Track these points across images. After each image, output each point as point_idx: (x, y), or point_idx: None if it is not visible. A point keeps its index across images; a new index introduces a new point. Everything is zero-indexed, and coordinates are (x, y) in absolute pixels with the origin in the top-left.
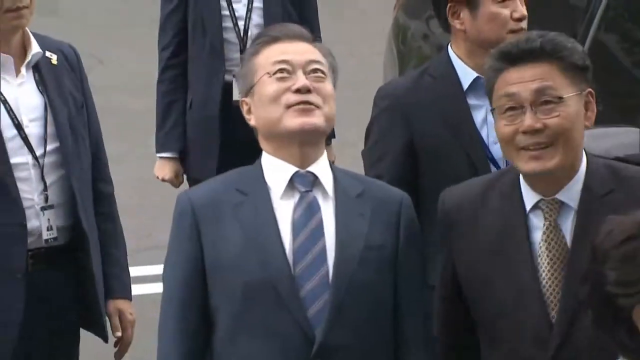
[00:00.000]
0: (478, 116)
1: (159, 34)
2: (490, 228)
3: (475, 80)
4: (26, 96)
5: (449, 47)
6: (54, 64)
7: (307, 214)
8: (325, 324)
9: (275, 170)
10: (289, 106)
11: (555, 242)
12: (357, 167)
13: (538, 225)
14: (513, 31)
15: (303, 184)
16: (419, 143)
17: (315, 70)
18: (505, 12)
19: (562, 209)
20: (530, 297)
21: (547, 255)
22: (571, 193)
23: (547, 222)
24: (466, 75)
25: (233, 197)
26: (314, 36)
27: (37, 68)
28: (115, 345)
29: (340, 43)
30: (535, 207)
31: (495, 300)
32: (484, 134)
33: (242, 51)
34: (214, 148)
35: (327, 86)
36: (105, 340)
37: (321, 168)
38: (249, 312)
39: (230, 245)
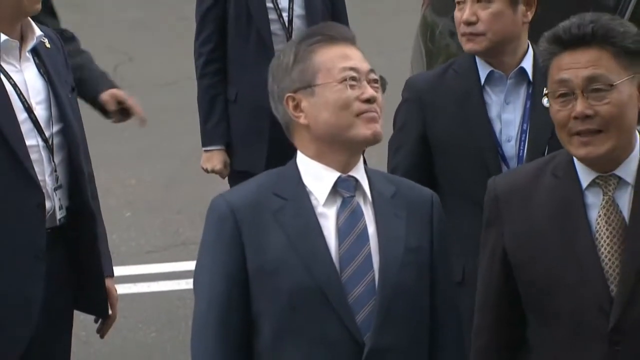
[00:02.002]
0: (492, 112)
1: (197, 28)
2: (546, 207)
3: (490, 75)
4: (31, 79)
5: None
6: (47, 47)
7: (352, 219)
8: (374, 329)
9: (317, 174)
10: (358, 114)
11: (615, 217)
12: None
13: (594, 202)
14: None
15: (347, 188)
16: (432, 137)
17: (375, 81)
18: (459, 14)
19: (620, 184)
20: (591, 272)
21: (607, 229)
22: (628, 169)
23: (607, 197)
24: (483, 69)
25: (272, 202)
26: None
27: (36, 51)
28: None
29: (369, 40)
30: (592, 184)
31: (553, 275)
32: (496, 130)
33: (287, 42)
34: (264, 140)
35: (381, 97)
36: (105, 318)
37: (360, 171)
38: (295, 318)
39: (274, 250)
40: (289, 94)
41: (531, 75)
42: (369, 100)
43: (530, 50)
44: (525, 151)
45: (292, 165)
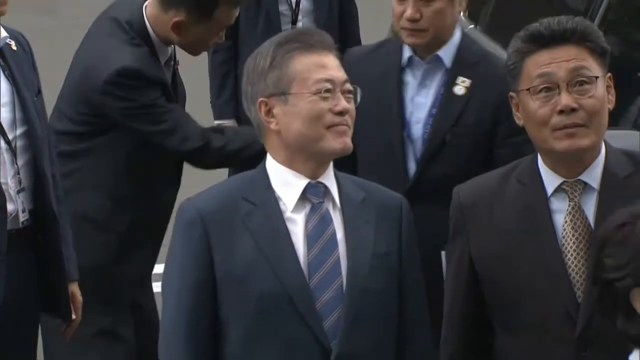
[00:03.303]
0: (408, 93)
1: None
2: (511, 214)
3: (410, 59)
4: None
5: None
6: (14, 50)
7: (321, 225)
8: (341, 334)
9: (286, 180)
10: (329, 127)
11: (581, 223)
12: None
13: (560, 207)
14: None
15: (316, 195)
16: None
17: (349, 92)
18: (400, 8)
19: (585, 190)
20: (558, 278)
21: (573, 235)
22: (594, 174)
23: (572, 203)
24: (405, 52)
25: (241, 207)
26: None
27: (2, 53)
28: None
29: (379, 39)
30: (558, 190)
31: (519, 283)
32: (407, 111)
33: (293, 22)
34: None
35: (354, 107)
36: (68, 321)
37: (329, 178)
38: (263, 324)
39: (242, 255)
40: (262, 99)
41: (449, 63)
42: (341, 113)
43: (456, 40)
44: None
45: (261, 170)
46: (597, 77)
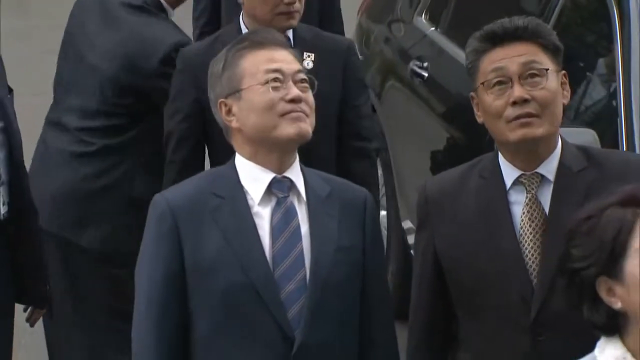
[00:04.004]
0: None
1: (194, 3)
2: (473, 208)
3: None
4: None
5: (241, 17)
6: None
7: (285, 219)
8: (304, 324)
9: (253, 175)
10: (282, 114)
11: (537, 214)
12: None
13: (518, 199)
14: (283, 13)
15: (281, 189)
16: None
17: (302, 80)
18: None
19: (542, 182)
20: (515, 267)
21: (530, 226)
22: (550, 167)
23: (530, 195)
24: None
25: (210, 201)
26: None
27: None
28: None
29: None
30: (516, 182)
31: (480, 271)
32: None
33: None
34: None
35: (311, 96)
36: (44, 308)
37: (295, 172)
38: (229, 315)
39: (209, 248)
40: (221, 100)
41: (293, 42)
42: (294, 100)
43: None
44: None
45: (230, 165)
46: (547, 70)
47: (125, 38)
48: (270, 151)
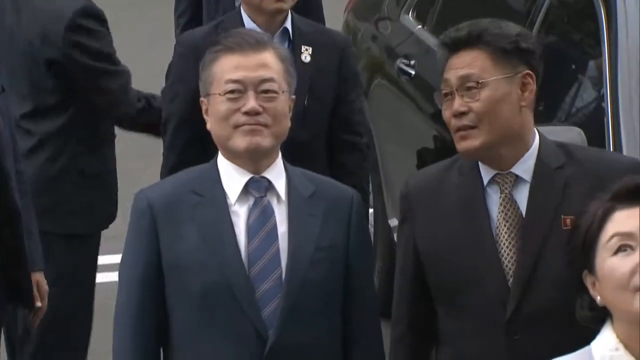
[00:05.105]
0: None
1: (175, 2)
2: (452, 204)
3: None
4: None
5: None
6: None
7: (262, 218)
8: (278, 324)
9: (231, 175)
10: (236, 127)
11: (512, 213)
12: None
13: (494, 199)
14: None
15: (257, 189)
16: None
17: (266, 91)
18: None
19: (517, 182)
20: (491, 266)
21: (505, 225)
22: (525, 167)
23: (503, 195)
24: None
25: (190, 199)
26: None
27: None
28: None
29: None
30: (492, 181)
31: (457, 269)
32: None
33: None
34: None
35: (279, 104)
36: (32, 309)
37: (275, 172)
38: (205, 313)
39: (187, 246)
40: (202, 98)
41: (292, 34)
42: (248, 113)
43: (288, 21)
44: None
45: (212, 164)
46: (481, 82)
47: (35, 16)
48: (235, 157)
